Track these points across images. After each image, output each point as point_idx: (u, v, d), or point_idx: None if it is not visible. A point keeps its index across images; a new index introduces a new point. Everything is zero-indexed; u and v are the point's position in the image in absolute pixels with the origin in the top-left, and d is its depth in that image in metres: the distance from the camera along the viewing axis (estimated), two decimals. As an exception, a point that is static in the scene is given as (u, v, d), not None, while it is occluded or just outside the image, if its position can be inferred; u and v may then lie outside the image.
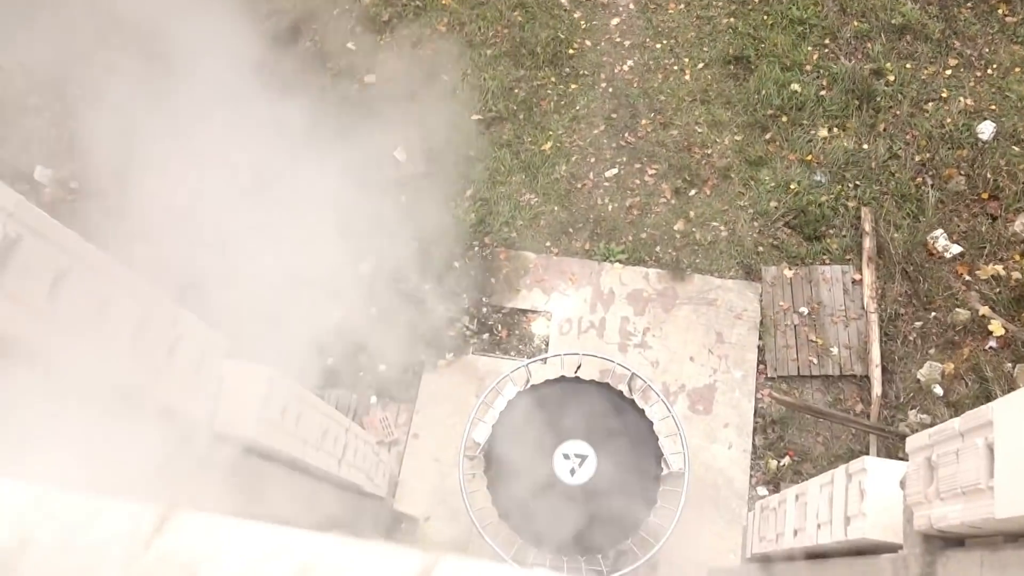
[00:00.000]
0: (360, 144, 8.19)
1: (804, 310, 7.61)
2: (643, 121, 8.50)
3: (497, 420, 6.62)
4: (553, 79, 8.79)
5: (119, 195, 6.01)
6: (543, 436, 6.52)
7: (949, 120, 8.10)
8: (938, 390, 7.09)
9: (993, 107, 8.14)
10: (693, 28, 8.91)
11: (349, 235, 7.95)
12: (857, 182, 8.00)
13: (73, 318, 2.59)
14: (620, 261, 7.94)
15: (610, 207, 8.18)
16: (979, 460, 2.51)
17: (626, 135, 8.48)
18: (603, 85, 8.75)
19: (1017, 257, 7.47)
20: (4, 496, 1.08)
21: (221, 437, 3.71)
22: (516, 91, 8.70)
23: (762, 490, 7.00)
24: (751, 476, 7.11)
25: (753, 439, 7.23)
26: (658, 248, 7.98)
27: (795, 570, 4.44)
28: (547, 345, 7.70)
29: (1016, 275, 7.36)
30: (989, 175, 7.77)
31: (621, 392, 6.70)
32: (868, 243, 7.69)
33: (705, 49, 8.78)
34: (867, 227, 7.74)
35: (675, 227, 8.06)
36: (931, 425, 4.38)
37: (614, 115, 8.58)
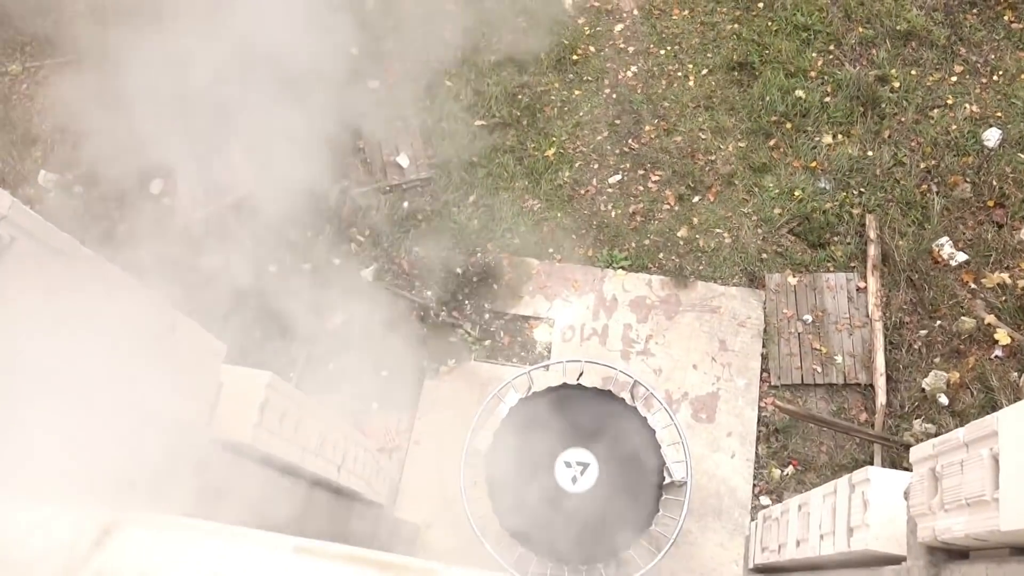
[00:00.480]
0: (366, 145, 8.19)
1: (808, 318, 7.56)
2: (647, 127, 8.49)
3: (499, 427, 6.59)
4: (557, 85, 8.78)
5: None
6: (545, 444, 6.49)
7: (954, 127, 8.06)
8: (943, 399, 7.02)
9: (999, 114, 8.10)
10: (697, 34, 8.90)
11: (348, 241, 7.94)
12: (862, 189, 7.96)
13: (68, 321, 2.57)
14: (623, 268, 7.91)
15: (613, 213, 8.15)
16: (984, 471, 2.47)
17: (629, 141, 8.46)
18: (607, 91, 8.74)
19: (1023, 265, 7.41)
20: None
21: (218, 442, 3.69)
22: (519, 97, 8.70)
23: (765, 500, 6.94)
24: (754, 485, 7.05)
25: (756, 448, 7.17)
26: (661, 255, 7.95)
27: (798, 581, 4.39)
28: (549, 352, 7.67)
29: (1022, 283, 7.30)
30: (995, 182, 7.72)
31: (623, 400, 6.66)
32: (873, 250, 7.64)
33: (709, 55, 8.77)
34: (872, 234, 7.69)
35: (678, 234, 8.03)
36: (936, 435, 4.34)
37: (618, 121, 8.56)
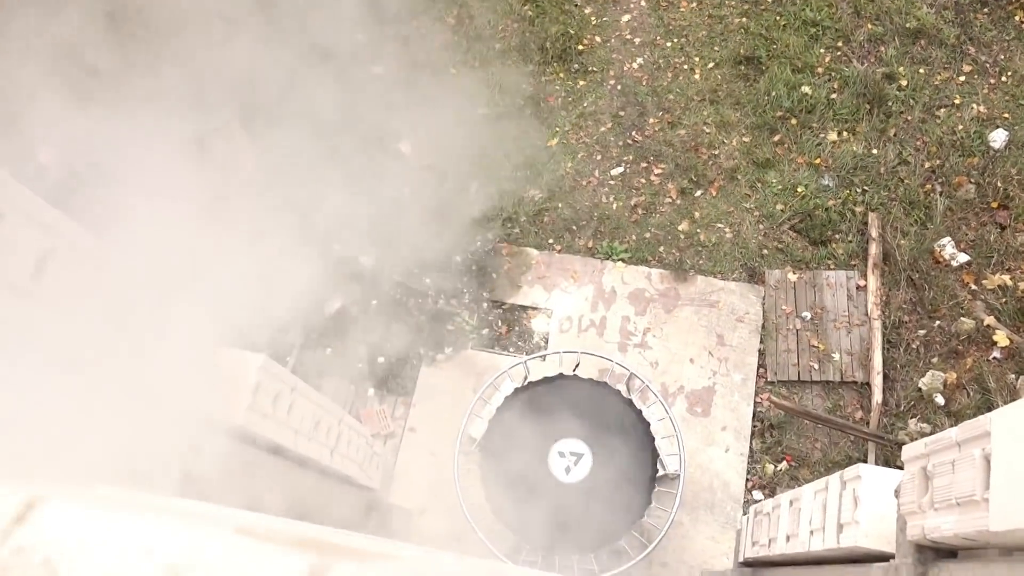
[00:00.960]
0: (365, 134, 8.16)
1: (807, 315, 7.54)
2: (651, 120, 8.44)
3: (494, 416, 6.60)
4: (562, 75, 8.73)
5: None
6: (539, 433, 6.49)
7: (961, 127, 8.01)
8: (939, 399, 7.01)
9: (1006, 115, 8.04)
10: (704, 27, 8.84)
11: (350, 228, 7.92)
12: (865, 187, 7.92)
13: (58, 299, 2.56)
14: (623, 260, 7.89)
15: (615, 205, 8.12)
16: (975, 471, 2.46)
17: (633, 133, 8.42)
18: (612, 82, 8.69)
19: (1025, 267, 7.38)
20: None
21: (212, 424, 3.69)
22: (524, 86, 8.65)
23: (758, 494, 6.94)
24: (747, 480, 7.05)
25: (751, 443, 7.18)
26: (661, 248, 7.92)
27: (787, 576, 4.40)
28: (546, 342, 7.66)
29: (1023, 286, 7.27)
30: (999, 184, 7.68)
31: (619, 392, 6.65)
32: (874, 249, 7.62)
33: (716, 49, 8.71)
34: (874, 233, 7.66)
35: (679, 227, 8.00)
36: (931, 435, 4.32)
37: (622, 113, 8.52)
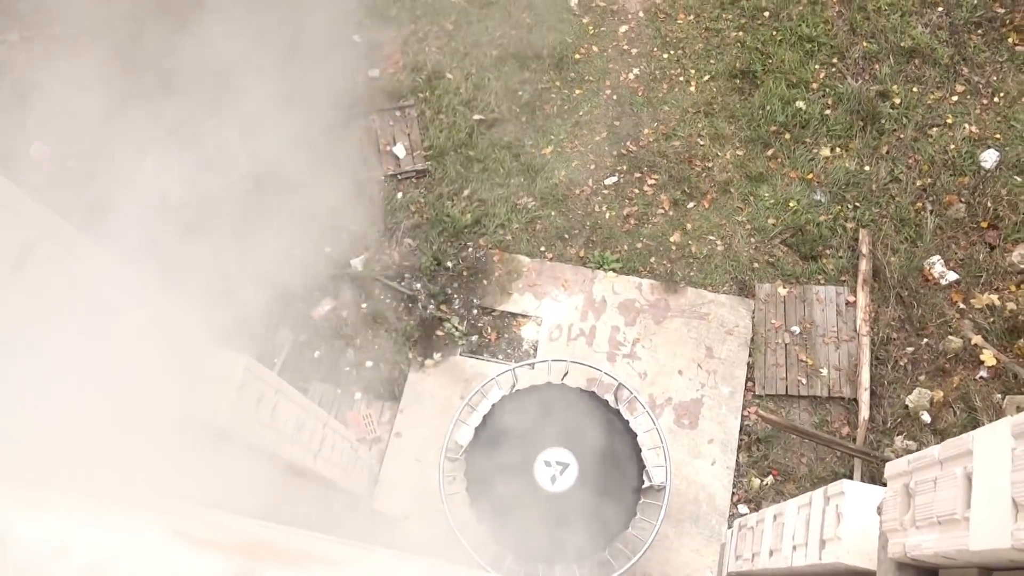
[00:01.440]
0: (357, 138, 8.13)
1: (796, 329, 7.56)
2: (645, 130, 8.46)
3: (480, 423, 6.57)
4: (558, 83, 8.75)
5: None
6: (526, 442, 6.46)
7: (953, 146, 8.06)
8: (926, 417, 7.03)
9: (998, 136, 8.10)
10: (701, 40, 8.87)
11: (340, 229, 7.89)
12: (857, 203, 7.95)
13: (40, 293, 2.53)
14: (614, 270, 7.89)
15: (607, 215, 8.13)
16: (957, 490, 2.45)
17: (627, 143, 8.43)
18: (607, 92, 8.71)
19: (1013, 287, 7.42)
20: None
21: (193, 423, 3.65)
22: (520, 93, 8.66)
23: (743, 508, 6.93)
24: (733, 493, 7.04)
25: (737, 456, 7.17)
26: (653, 259, 7.93)
27: (769, 591, 4.37)
28: (535, 350, 7.64)
29: (1011, 305, 7.31)
30: (990, 204, 7.73)
31: (607, 402, 6.64)
32: (864, 265, 7.64)
33: (712, 61, 8.74)
34: (864, 249, 7.69)
35: (671, 239, 8.01)
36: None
37: (617, 123, 8.54)
